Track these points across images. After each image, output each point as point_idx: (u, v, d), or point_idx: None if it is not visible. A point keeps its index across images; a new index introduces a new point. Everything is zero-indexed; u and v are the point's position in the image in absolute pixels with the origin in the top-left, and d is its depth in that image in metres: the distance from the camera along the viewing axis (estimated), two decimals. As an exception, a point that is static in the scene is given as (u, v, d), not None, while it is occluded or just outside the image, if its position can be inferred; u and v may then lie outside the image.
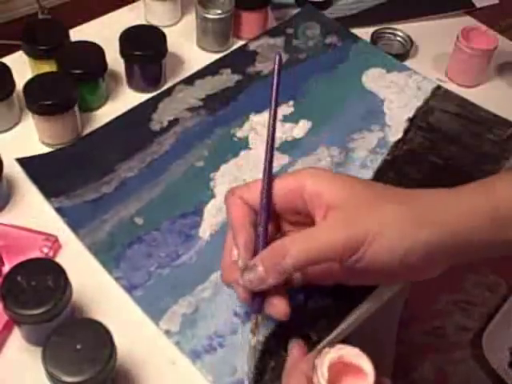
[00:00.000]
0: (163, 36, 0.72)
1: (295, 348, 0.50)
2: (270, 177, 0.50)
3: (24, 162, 0.64)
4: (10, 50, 0.75)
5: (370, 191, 0.49)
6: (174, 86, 0.73)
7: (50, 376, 0.45)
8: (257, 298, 0.49)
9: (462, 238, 0.47)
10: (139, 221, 0.60)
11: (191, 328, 0.53)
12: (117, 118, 0.70)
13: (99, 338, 0.46)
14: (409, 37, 0.80)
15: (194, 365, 0.51)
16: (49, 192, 0.62)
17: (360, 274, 0.49)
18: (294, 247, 0.46)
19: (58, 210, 0.60)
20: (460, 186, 0.50)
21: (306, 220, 0.50)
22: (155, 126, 0.69)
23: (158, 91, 0.73)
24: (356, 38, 0.80)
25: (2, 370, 0.51)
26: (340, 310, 0.54)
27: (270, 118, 0.52)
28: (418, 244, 0.46)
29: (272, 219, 0.51)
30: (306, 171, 0.50)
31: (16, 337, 0.52)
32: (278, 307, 0.48)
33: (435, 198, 0.49)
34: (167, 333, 0.53)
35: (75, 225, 0.59)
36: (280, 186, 0.50)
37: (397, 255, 0.46)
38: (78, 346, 0.45)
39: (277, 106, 0.52)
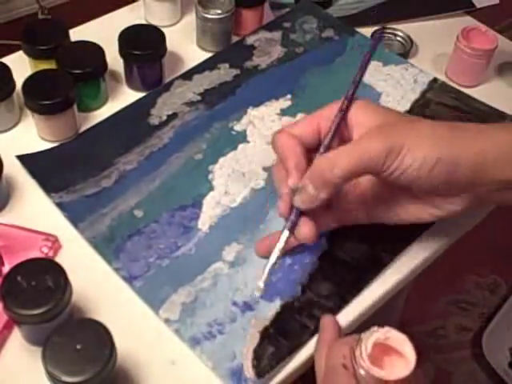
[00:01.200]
0: (162, 36, 0.72)
1: (328, 323, 0.52)
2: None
3: (24, 159, 0.64)
4: (10, 49, 0.75)
5: (405, 115, 0.55)
6: (172, 81, 0.73)
7: (50, 376, 0.45)
8: (294, 212, 0.52)
9: (492, 165, 0.49)
10: (139, 213, 0.61)
11: (190, 316, 0.54)
12: (116, 114, 0.70)
13: (99, 338, 0.46)
14: (409, 37, 0.80)
15: (194, 351, 0.51)
16: (49, 188, 0.62)
17: (390, 198, 0.54)
18: (340, 158, 0.49)
19: (58, 205, 0.61)
20: (497, 124, 0.54)
21: None
22: (154, 121, 0.69)
23: (163, 83, 0.73)
24: (353, 32, 0.80)
25: (1, 370, 0.51)
26: (336, 302, 0.55)
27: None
28: (447, 156, 0.48)
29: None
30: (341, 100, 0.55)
31: (16, 337, 0.52)
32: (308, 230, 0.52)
33: (473, 126, 0.52)
34: (167, 321, 0.53)
35: (75, 219, 0.60)
36: (326, 114, 0.55)
37: (427, 166, 0.48)
38: (78, 346, 0.45)
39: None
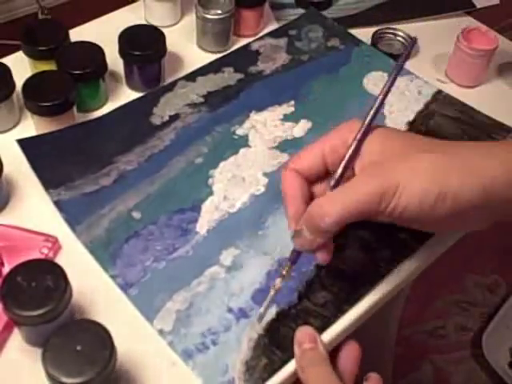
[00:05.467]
0: (162, 36, 0.72)
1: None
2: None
3: (24, 144, 0.65)
4: (10, 50, 0.75)
5: (407, 141, 0.50)
6: (175, 82, 0.74)
7: (50, 377, 0.45)
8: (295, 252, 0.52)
9: (496, 191, 0.46)
10: (137, 215, 0.61)
11: (185, 326, 0.53)
12: (118, 109, 0.70)
13: (99, 339, 0.46)
14: (410, 37, 0.80)
15: (187, 365, 0.51)
16: (48, 181, 0.62)
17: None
18: (330, 206, 0.47)
19: (56, 204, 0.61)
20: (499, 141, 0.51)
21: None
22: (156, 120, 0.69)
23: (164, 83, 0.74)
24: (358, 42, 0.80)
25: (1, 371, 0.50)
26: (332, 311, 0.54)
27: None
28: (447, 191, 0.46)
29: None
30: (346, 126, 0.52)
31: (16, 338, 0.52)
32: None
33: (471, 149, 0.49)
34: (161, 332, 0.53)
35: (73, 221, 0.60)
36: (332, 142, 0.52)
37: (428, 201, 0.46)
38: (78, 347, 0.45)
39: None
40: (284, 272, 0.51)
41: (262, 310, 0.52)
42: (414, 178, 0.46)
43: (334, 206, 0.47)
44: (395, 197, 0.46)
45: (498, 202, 0.47)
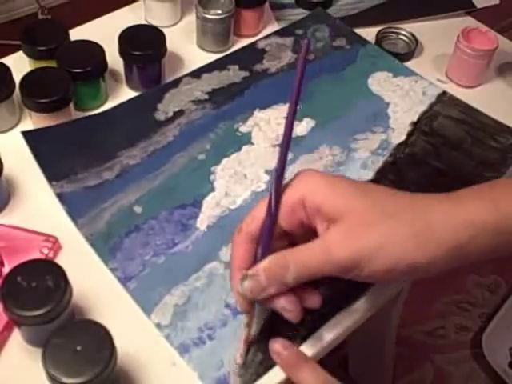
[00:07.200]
0: (162, 36, 0.72)
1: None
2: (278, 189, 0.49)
3: (28, 136, 0.65)
4: (10, 50, 0.75)
5: (370, 202, 0.47)
6: (180, 78, 0.74)
7: (50, 377, 0.44)
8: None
9: (465, 250, 0.46)
10: (138, 209, 0.61)
11: (182, 320, 0.53)
12: (122, 104, 0.70)
13: (99, 339, 0.46)
14: (413, 36, 0.80)
15: (183, 359, 0.51)
16: (51, 173, 0.63)
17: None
18: (294, 264, 0.46)
19: (59, 197, 0.61)
20: (462, 192, 0.48)
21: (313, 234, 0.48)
22: (160, 116, 0.69)
23: (165, 82, 0.74)
24: (364, 42, 0.80)
25: (2, 371, 0.50)
26: (330, 308, 0.54)
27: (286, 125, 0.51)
28: (420, 263, 0.45)
29: (281, 238, 0.50)
30: (302, 181, 0.49)
31: (16, 338, 0.52)
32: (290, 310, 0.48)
33: (437, 209, 0.47)
34: (158, 326, 0.53)
35: (74, 214, 0.60)
36: (283, 201, 0.48)
37: (397, 271, 0.45)
38: (78, 348, 0.45)
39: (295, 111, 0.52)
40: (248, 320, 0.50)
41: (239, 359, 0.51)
42: (382, 251, 0.45)
43: (296, 265, 0.46)
44: (360, 266, 0.45)
45: (463, 259, 0.46)
